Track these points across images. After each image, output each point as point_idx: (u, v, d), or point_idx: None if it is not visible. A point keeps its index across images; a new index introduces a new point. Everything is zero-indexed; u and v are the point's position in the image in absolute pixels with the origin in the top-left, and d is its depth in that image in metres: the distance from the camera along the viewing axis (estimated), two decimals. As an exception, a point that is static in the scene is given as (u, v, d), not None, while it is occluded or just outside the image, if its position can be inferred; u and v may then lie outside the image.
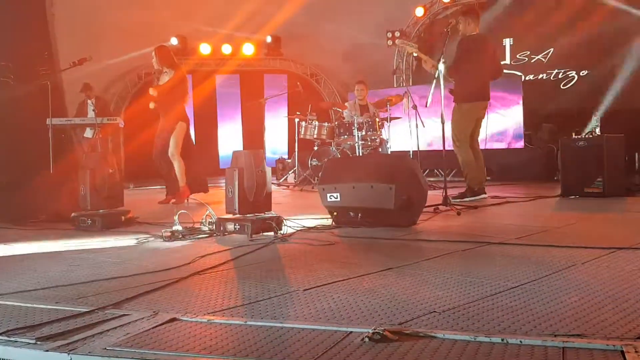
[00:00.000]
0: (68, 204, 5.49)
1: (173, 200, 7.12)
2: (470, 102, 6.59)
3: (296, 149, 10.52)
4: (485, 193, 6.65)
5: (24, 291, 2.70)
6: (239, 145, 14.37)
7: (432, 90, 5.99)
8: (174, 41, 13.62)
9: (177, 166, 7.12)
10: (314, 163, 9.89)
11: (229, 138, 14.66)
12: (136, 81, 14.07)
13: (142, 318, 2.19)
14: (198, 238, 4.31)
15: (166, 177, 7.37)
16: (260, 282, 2.78)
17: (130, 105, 13.70)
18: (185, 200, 7.13)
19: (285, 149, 14.57)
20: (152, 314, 2.23)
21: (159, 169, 7.33)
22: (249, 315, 2.22)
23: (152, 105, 7.21)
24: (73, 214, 5.06)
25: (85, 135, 9.70)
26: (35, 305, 2.42)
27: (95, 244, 4.23)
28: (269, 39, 14.35)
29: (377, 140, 9.39)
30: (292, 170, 10.81)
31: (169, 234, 4.30)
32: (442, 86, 6.04)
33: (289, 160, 11.77)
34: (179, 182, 7.14)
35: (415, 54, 7.36)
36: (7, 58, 6.21)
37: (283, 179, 11.15)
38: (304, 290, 2.59)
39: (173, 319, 2.16)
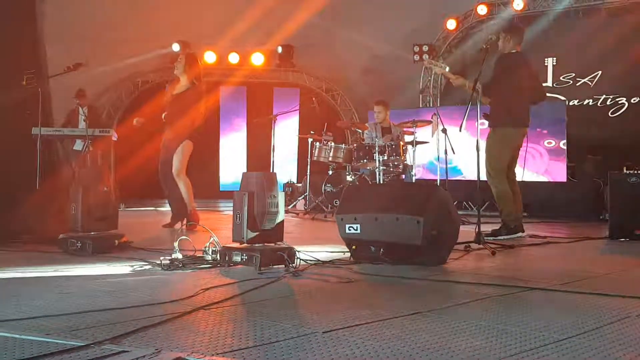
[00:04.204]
0: (55, 224, 5.52)
1: (179, 225, 7.11)
2: (506, 128, 6.60)
3: (308, 172, 10.57)
4: (523, 231, 6.63)
5: (7, 320, 2.71)
6: (242, 166, 14.43)
7: (466, 113, 5.95)
8: (175, 47, 13.75)
9: (183, 186, 7.09)
10: (328, 189, 9.90)
11: (232, 157, 14.72)
12: (132, 90, 14.19)
13: (144, 356, 2.19)
14: (200, 268, 4.33)
15: (169, 195, 7.38)
16: (273, 321, 2.78)
17: (124, 117, 13.81)
18: (182, 225, 7.14)
19: (294, 171, 14.61)
20: (155, 352, 2.24)
21: (162, 184, 7.33)
22: (263, 358, 2.23)
23: (164, 116, 7.29)
24: (61, 236, 5.07)
25: (74, 147, 9.79)
26: (21, 337, 2.43)
27: (86, 270, 4.25)
28: (279, 49, 14.46)
29: (401, 167, 9.42)
30: (303, 196, 10.84)
31: (168, 262, 4.31)
32: (478, 109, 6.04)
33: (299, 185, 11.82)
34: (186, 205, 7.14)
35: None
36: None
37: (292, 205, 11.18)
38: (323, 332, 2.59)
39: (178, 359, 2.18)
